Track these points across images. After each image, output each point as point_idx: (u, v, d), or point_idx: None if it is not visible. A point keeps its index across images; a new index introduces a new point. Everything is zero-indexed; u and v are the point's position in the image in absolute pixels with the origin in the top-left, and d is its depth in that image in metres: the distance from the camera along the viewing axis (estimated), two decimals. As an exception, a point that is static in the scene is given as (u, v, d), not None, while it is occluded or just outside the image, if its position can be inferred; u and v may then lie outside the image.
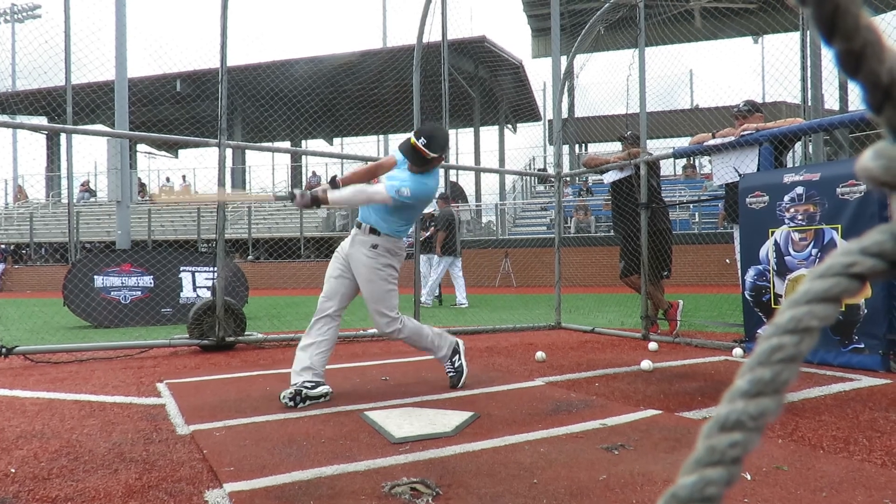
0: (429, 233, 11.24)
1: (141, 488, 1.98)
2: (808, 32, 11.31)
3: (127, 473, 2.12)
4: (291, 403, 3.12)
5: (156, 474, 2.11)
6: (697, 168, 21.40)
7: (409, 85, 6.22)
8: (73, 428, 2.74)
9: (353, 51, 21.51)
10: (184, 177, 28.13)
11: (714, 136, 5.28)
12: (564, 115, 8.02)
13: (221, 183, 5.33)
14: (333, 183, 3.40)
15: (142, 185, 27.11)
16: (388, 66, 18.06)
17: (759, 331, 4.58)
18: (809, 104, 11.89)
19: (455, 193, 18.71)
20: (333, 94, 21.94)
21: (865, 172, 0.33)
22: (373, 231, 3.38)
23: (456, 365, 3.69)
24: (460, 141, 29.30)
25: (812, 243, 4.25)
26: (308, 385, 3.21)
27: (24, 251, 22.93)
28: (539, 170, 24.16)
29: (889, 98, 0.32)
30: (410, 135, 3.35)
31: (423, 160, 3.29)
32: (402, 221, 3.44)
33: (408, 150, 3.30)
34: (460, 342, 3.78)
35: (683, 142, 7.62)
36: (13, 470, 2.16)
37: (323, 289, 3.46)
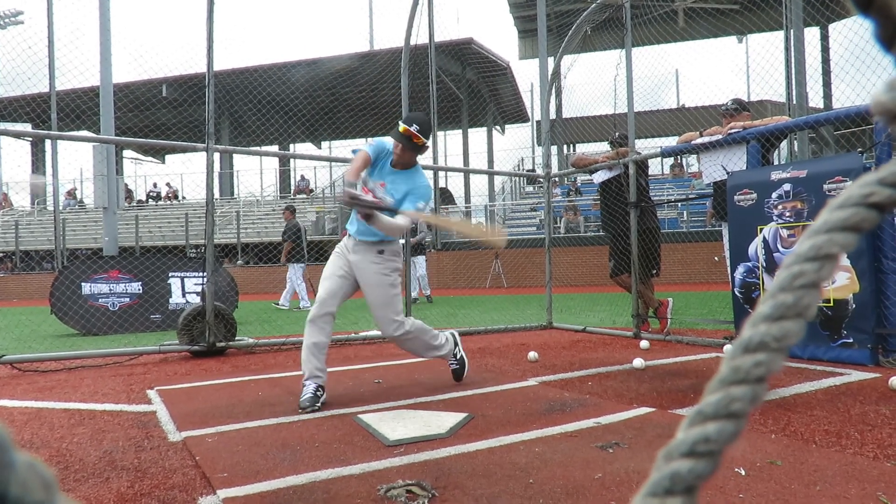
0: (418, 237, 11.37)
1: (133, 496, 1.96)
2: (792, 31, 11.43)
3: (119, 482, 2.10)
4: (317, 406, 3.11)
5: (148, 482, 2.09)
6: (685, 167, 21.53)
7: (398, 87, 6.22)
8: (63, 437, 2.70)
9: (341, 54, 21.48)
10: (168, 184, 27.96)
11: (701, 135, 5.31)
12: (552, 115, 8.03)
13: (210, 187, 5.28)
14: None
15: (128, 192, 26.91)
16: (378, 70, 18.06)
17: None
18: (794, 102, 12.02)
19: (443, 197, 18.71)
20: (322, 97, 21.88)
21: (880, 107, 0.33)
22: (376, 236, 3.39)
23: (458, 357, 3.77)
24: (449, 143, 29.35)
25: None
26: (322, 389, 3.23)
27: (10, 259, 22.67)
28: (528, 170, 24.22)
29: (901, 32, 0.32)
30: (399, 125, 3.35)
31: (417, 146, 3.31)
32: None
33: (402, 137, 3.29)
34: (455, 332, 3.87)
35: (671, 141, 7.67)
36: (2, 480, 2.13)
37: (322, 286, 3.38)
